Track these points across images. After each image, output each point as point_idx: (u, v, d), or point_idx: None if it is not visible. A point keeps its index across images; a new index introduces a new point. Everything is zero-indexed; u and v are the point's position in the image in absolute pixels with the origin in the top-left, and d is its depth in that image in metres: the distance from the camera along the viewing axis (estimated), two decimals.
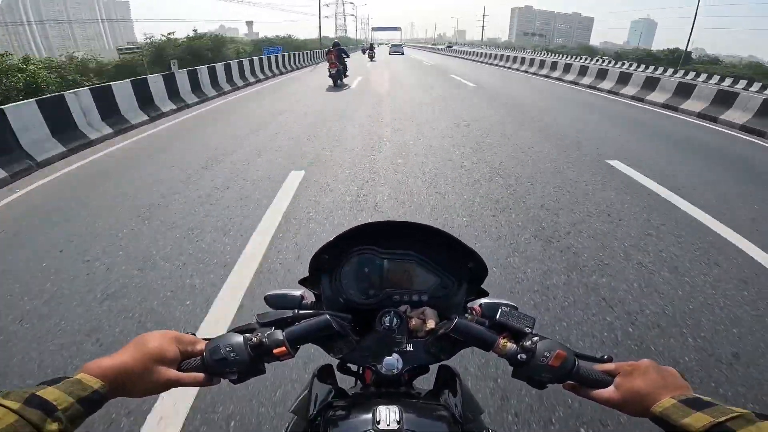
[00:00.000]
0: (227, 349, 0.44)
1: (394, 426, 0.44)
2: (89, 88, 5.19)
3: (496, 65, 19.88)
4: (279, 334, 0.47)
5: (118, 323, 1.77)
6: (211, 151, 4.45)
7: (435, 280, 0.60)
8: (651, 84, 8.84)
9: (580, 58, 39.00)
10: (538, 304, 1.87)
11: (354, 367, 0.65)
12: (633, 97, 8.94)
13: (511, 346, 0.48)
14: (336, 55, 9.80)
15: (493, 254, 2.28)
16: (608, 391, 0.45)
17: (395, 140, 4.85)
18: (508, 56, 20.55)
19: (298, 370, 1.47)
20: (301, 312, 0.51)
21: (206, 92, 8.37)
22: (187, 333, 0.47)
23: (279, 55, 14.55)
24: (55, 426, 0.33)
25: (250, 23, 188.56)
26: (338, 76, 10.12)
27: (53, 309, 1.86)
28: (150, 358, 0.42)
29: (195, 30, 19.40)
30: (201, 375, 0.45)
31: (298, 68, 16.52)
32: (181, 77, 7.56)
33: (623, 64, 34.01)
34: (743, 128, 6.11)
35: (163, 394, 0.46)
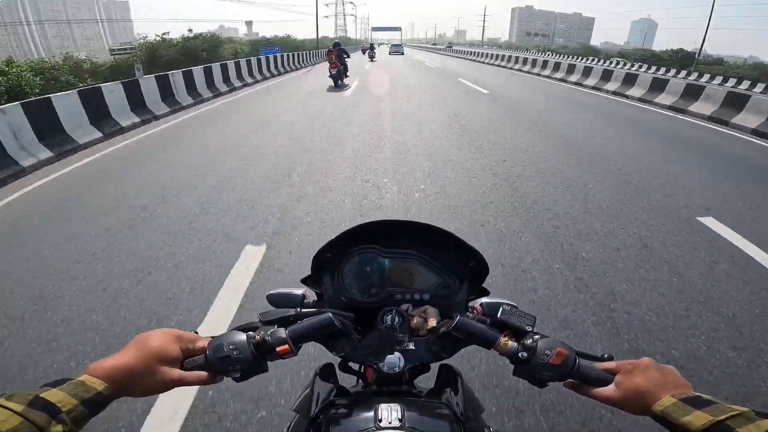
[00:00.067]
0: (230, 347, 0.44)
1: (396, 424, 0.44)
2: (21, 103, 4.18)
3: (503, 67, 18.97)
4: (282, 332, 0.47)
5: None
6: (149, 195, 3.18)
7: (436, 279, 0.60)
8: (695, 93, 7.55)
9: (590, 60, 37.67)
10: None
11: (355, 366, 0.65)
12: (705, 117, 6.96)
13: (512, 344, 0.48)
14: (336, 55, 9.79)
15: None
16: (609, 390, 0.45)
17: (402, 189, 3.28)
18: (512, 57, 19.88)
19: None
20: (303, 310, 0.51)
21: (181, 99, 7.32)
22: (189, 331, 0.47)
23: (275, 55, 14.16)
24: (59, 428, 0.33)
25: (249, 23, 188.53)
26: (339, 77, 10.11)
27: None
28: (152, 357, 0.41)
29: (190, 30, 19.11)
30: (204, 373, 0.45)
31: (294, 70, 15.77)
32: (148, 84, 6.51)
33: (640, 66, 32.96)
34: None
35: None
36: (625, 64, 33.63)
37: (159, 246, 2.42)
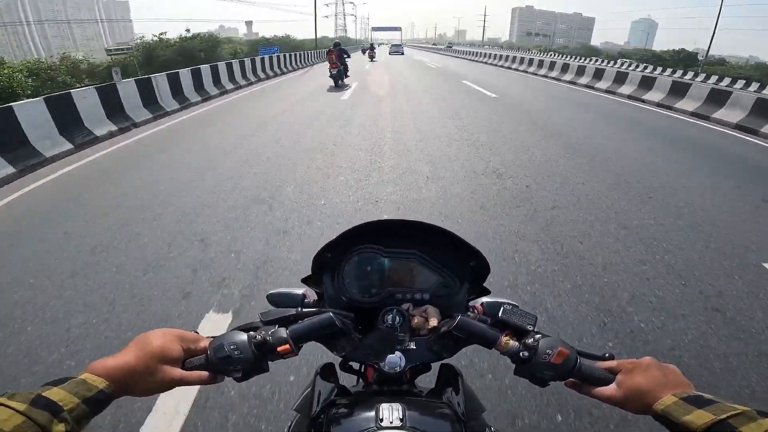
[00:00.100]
0: (231, 347, 0.44)
1: (398, 424, 0.44)
2: None
3: (506, 67, 18.18)
4: (283, 332, 0.47)
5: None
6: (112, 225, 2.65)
7: (437, 278, 0.60)
8: (720, 99, 6.92)
9: (597, 61, 36.65)
10: None
11: (356, 366, 0.65)
12: (732, 125, 6.33)
13: (513, 343, 0.48)
14: (337, 55, 9.78)
15: None
16: (610, 389, 0.45)
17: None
18: (515, 57, 19.05)
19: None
20: (304, 310, 0.52)
21: (165, 105, 6.79)
22: (189, 331, 0.47)
23: (270, 56, 13.77)
24: (61, 427, 0.33)
25: (249, 23, 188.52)
26: (339, 76, 10.10)
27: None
28: (154, 357, 0.41)
29: (188, 30, 18.77)
30: (205, 373, 0.45)
31: (291, 71, 15.23)
32: (127, 88, 5.97)
33: (645, 67, 31.77)
34: None
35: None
36: (637, 66, 32.46)
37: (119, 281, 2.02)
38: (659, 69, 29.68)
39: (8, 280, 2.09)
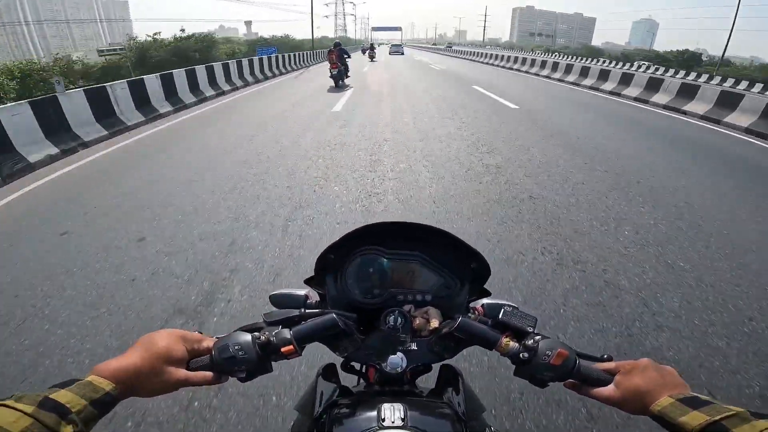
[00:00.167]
0: (236, 347, 0.45)
1: (399, 423, 0.45)
2: None
3: (513, 69, 16.87)
4: (286, 333, 0.47)
5: None
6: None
7: (438, 280, 0.61)
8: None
9: (609, 63, 35.24)
10: None
11: (357, 366, 0.65)
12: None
13: (513, 344, 0.49)
14: (337, 55, 9.77)
15: None
16: (608, 390, 0.46)
17: None
18: (520, 58, 17.85)
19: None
20: (307, 311, 0.52)
21: (126, 118, 5.80)
22: (193, 332, 0.47)
23: (260, 58, 13.17)
24: (70, 428, 0.33)
25: (248, 23, 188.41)
26: (339, 77, 10.10)
27: None
28: (159, 358, 0.42)
29: (182, 30, 18.48)
30: (209, 373, 0.45)
31: (284, 73, 14.34)
32: (73, 102, 4.98)
33: (665, 70, 29.13)
34: None
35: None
36: (654, 68, 30.33)
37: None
38: (673, 71, 27.60)
39: None
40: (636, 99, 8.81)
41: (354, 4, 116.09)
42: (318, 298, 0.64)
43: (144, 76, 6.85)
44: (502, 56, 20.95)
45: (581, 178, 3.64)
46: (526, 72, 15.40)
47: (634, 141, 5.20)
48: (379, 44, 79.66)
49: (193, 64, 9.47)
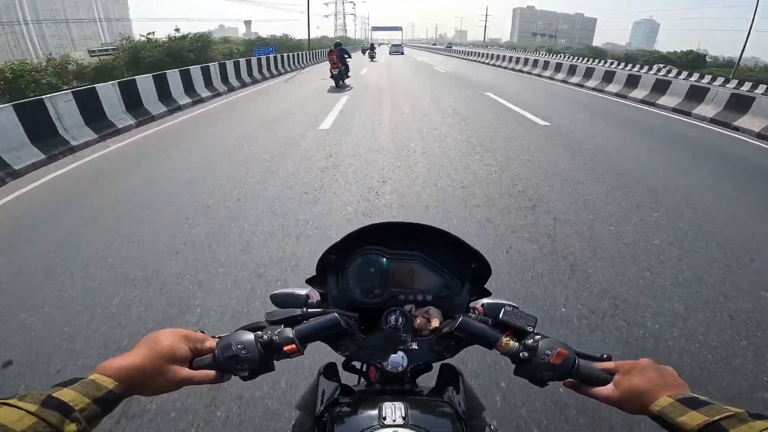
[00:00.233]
0: (239, 346, 0.45)
1: (400, 422, 0.45)
2: None
3: (523, 72, 15.61)
4: (289, 332, 0.48)
5: None
6: None
7: (439, 280, 0.61)
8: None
9: (611, 63, 33.86)
10: None
11: (358, 365, 0.66)
12: None
13: (513, 344, 0.49)
14: (338, 55, 9.75)
15: None
16: (607, 389, 0.46)
17: None
18: (525, 60, 16.74)
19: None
20: (309, 310, 0.52)
21: (73, 136, 4.66)
22: (196, 331, 0.48)
23: (257, 58, 12.57)
24: (73, 427, 0.33)
25: (248, 23, 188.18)
26: (340, 77, 10.07)
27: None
28: (162, 357, 0.42)
29: (177, 29, 17.89)
30: (212, 372, 0.45)
31: (276, 75, 13.32)
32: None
33: (691, 75, 26.68)
34: None
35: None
36: (672, 72, 27.72)
37: None
38: (710, 77, 25.00)
39: None
40: (675, 110, 7.47)
41: (354, 4, 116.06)
42: (319, 298, 0.65)
43: (97, 85, 5.50)
44: (506, 57, 20.19)
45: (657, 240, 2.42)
46: (537, 75, 14.09)
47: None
48: (379, 44, 79.71)
49: (188, 65, 9.22)
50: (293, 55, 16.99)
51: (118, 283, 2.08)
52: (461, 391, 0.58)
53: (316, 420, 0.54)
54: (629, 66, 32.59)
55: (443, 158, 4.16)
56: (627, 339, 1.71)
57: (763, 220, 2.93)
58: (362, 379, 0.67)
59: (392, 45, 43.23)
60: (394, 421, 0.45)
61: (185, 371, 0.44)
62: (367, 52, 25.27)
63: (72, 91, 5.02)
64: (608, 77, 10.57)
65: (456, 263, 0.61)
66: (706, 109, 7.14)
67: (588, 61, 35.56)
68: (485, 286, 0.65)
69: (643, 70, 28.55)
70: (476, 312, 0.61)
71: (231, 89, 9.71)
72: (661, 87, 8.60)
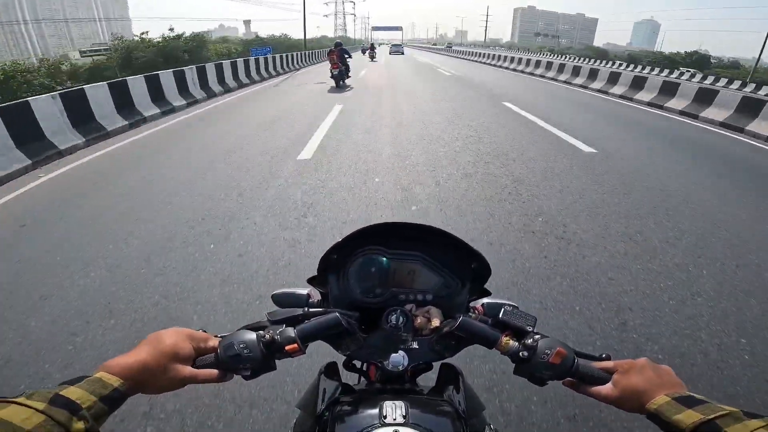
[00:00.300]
0: (241, 345, 0.46)
1: (401, 421, 0.45)
2: None
3: (533, 75, 14.46)
4: (291, 332, 0.48)
5: None
6: None
7: (439, 279, 0.61)
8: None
9: (622, 65, 32.36)
10: None
11: (359, 364, 0.66)
12: None
13: (513, 343, 0.50)
14: (338, 55, 9.73)
15: None
16: (606, 388, 0.46)
17: None
18: (531, 60, 15.67)
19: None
20: (310, 310, 0.53)
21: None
22: (199, 330, 0.48)
23: (251, 59, 11.87)
24: (81, 425, 0.33)
25: (247, 22, 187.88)
26: (340, 77, 10.06)
27: None
28: (166, 355, 0.42)
29: (171, 29, 17.67)
30: (215, 371, 0.46)
31: (268, 78, 12.36)
32: None
33: (704, 77, 26.30)
34: None
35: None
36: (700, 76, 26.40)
37: None
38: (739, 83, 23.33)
39: None
40: (723, 125, 6.41)
41: (354, 4, 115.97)
42: (320, 297, 0.65)
43: (30, 99, 4.49)
44: (510, 58, 19.10)
45: None
46: (566, 82, 12.29)
47: None
48: (380, 44, 79.66)
49: (182, 65, 8.87)
50: (287, 56, 15.91)
51: None
52: (461, 390, 0.58)
53: (317, 419, 0.54)
54: (640, 68, 31.27)
55: (472, 217, 2.75)
56: None
57: None
58: (363, 379, 0.68)
59: (392, 45, 43.55)
60: (394, 419, 0.46)
61: (188, 370, 0.44)
62: (367, 52, 25.25)
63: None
64: (638, 83, 9.07)
65: (456, 263, 0.61)
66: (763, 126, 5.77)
67: (595, 62, 34.39)
68: (485, 286, 0.65)
69: (663, 74, 27.22)
70: (476, 312, 0.62)
71: (212, 95, 8.69)
72: (705, 97, 7.26)
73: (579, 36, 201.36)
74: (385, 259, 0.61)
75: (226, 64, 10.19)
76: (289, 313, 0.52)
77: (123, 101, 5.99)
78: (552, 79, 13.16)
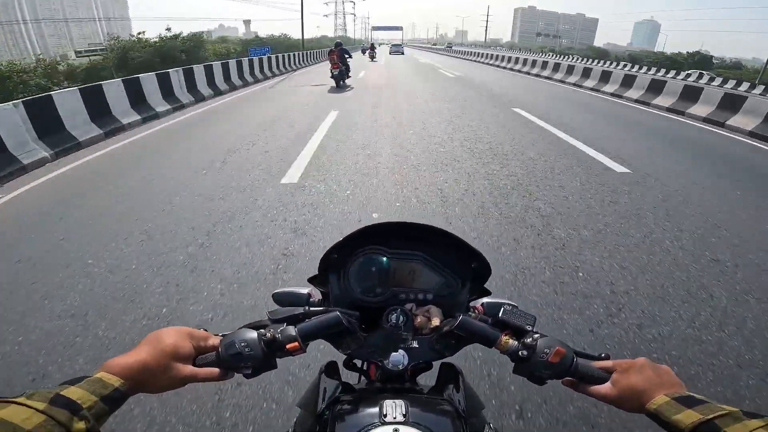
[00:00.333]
0: (242, 344, 0.46)
1: (401, 419, 0.45)
2: None
3: (540, 77, 13.72)
4: (291, 330, 0.48)
5: None
6: None
7: (440, 279, 0.62)
8: None
9: (632, 66, 31.54)
10: None
11: (359, 363, 0.66)
12: None
13: (512, 343, 0.50)
14: (338, 55, 9.73)
15: None
16: (605, 388, 0.46)
17: None
18: (536, 61, 14.97)
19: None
20: (311, 309, 0.53)
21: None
22: (200, 329, 0.48)
23: (243, 60, 11.38)
24: (82, 424, 0.33)
25: (247, 22, 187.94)
26: (341, 77, 10.06)
27: None
28: (166, 354, 0.42)
29: (168, 29, 17.59)
30: (216, 370, 0.46)
31: (259, 80, 11.63)
32: None
33: (727, 82, 24.58)
34: None
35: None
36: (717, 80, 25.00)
37: None
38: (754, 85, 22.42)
39: None
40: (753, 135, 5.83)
41: (354, 3, 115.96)
42: (321, 297, 0.65)
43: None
44: (513, 58, 18.48)
45: None
46: (561, 80, 12.00)
47: None
48: (380, 44, 79.74)
49: (179, 65, 8.64)
50: (284, 57, 15.37)
51: None
52: (461, 389, 0.59)
53: (318, 418, 0.54)
54: (646, 69, 30.49)
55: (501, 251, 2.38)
56: None
57: None
58: (363, 378, 0.68)
59: (392, 45, 43.82)
60: (394, 418, 0.46)
61: (189, 368, 0.44)
62: (368, 52, 25.24)
63: None
64: (656, 87, 8.35)
65: (456, 263, 0.62)
66: None
67: (602, 64, 33.73)
68: (485, 285, 0.65)
69: (669, 75, 26.61)
70: (476, 311, 0.62)
71: (200, 99, 8.17)
72: (730, 104, 6.55)
73: (579, 36, 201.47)
74: (385, 258, 0.61)
75: (217, 65, 9.68)
76: (289, 312, 0.52)
77: (98, 108, 5.43)
78: (558, 80, 12.49)
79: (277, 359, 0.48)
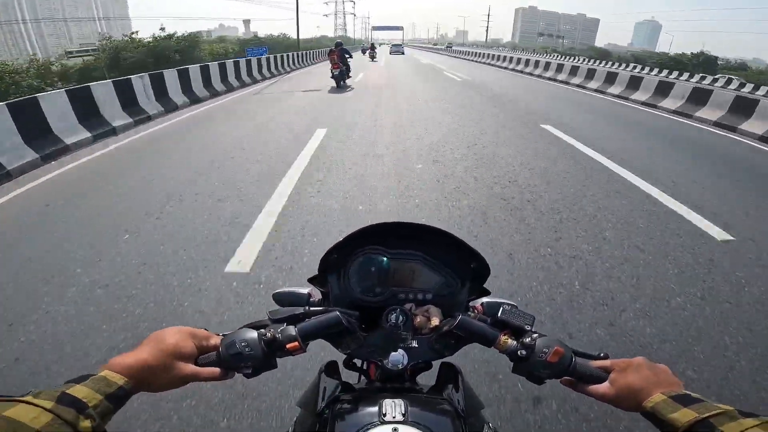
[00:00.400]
0: (242, 344, 0.46)
1: (400, 419, 0.46)
2: None
3: (551, 80, 12.87)
4: (292, 330, 0.48)
5: None
6: None
7: (439, 279, 0.62)
8: None
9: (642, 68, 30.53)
10: None
11: (359, 363, 0.67)
12: None
13: (511, 342, 0.50)
14: (338, 55, 9.72)
15: None
16: (603, 387, 0.47)
17: None
18: (540, 62, 14.53)
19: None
20: (311, 309, 0.53)
21: None
22: (201, 329, 0.48)
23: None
24: (88, 423, 0.34)
25: (247, 22, 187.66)
26: (341, 77, 10.04)
27: None
28: (169, 354, 0.43)
29: (162, 28, 17.49)
30: (217, 369, 0.46)
31: (247, 84, 10.72)
32: None
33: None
34: None
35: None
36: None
37: None
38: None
39: None
40: None
41: (354, 3, 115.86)
42: (321, 297, 0.66)
43: None
44: (516, 59, 17.76)
45: None
46: (595, 90, 10.37)
47: None
48: (380, 44, 79.69)
49: (173, 66, 8.36)
50: (279, 57, 14.51)
51: None
52: (460, 389, 0.59)
53: (318, 417, 0.54)
54: (656, 71, 29.32)
55: None
56: None
57: None
58: (363, 377, 0.68)
59: (392, 45, 44.01)
60: (394, 417, 0.46)
61: (190, 368, 0.44)
62: (368, 52, 25.22)
63: None
64: (698, 97, 7.14)
65: (456, 263, 0.62)
66: None
67: (610, 65, 32.66)
68: (484, 285, 0.66)
69: (694, 79, 25.36)
70: (475, 311, 0.62)
71: (172, 108, 6.95)
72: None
73: (580, 36, 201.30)
74: (385, 258, 0.62)
75: (194, 69, 8.40)
76: (290, 312, 0.52)
77: (36, 126, 4.37)
78: (578, 86, 11.22)
79: (278, 359, 0.49)
